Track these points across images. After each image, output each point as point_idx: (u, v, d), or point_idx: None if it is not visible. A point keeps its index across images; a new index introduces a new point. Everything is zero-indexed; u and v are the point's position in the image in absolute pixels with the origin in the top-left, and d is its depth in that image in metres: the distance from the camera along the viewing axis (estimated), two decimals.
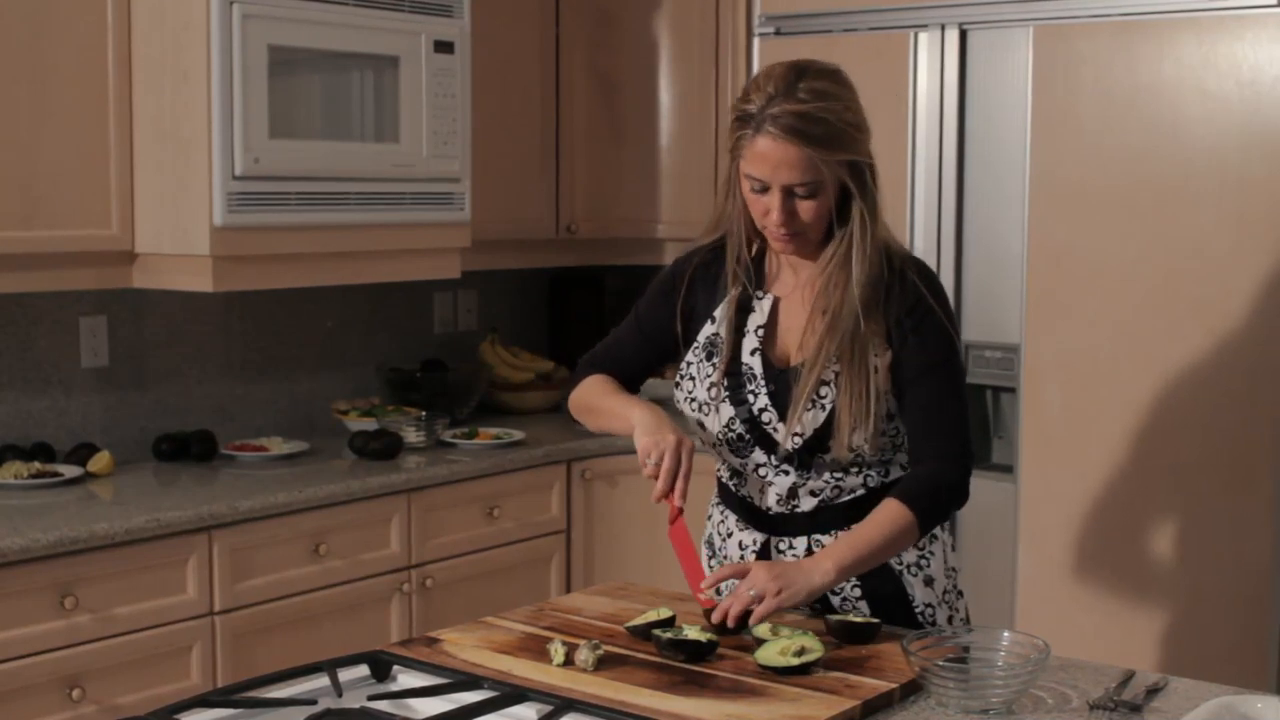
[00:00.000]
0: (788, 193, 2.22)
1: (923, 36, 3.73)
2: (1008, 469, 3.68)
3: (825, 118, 2.18)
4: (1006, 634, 2.06)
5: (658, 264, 4.43)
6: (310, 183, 3.48)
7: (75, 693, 2.96)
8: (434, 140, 3.73)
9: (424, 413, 3.99)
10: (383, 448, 3.72)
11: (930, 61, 3.71)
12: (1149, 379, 3.47)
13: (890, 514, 2.26)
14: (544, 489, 3.97)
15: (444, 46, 3.73)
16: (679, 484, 2.24)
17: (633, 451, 4.04)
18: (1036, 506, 3.62)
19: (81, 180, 3.29)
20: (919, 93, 3.73)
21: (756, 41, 4.05)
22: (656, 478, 2.25)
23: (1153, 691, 1.98)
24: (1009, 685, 1.92)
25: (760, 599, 2.14)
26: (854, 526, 2.30)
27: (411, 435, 3.86)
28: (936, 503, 2.29)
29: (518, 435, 4.00)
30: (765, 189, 2.23)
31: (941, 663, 1.94)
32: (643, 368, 2.53)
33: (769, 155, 2.19)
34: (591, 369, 2.54)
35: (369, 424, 3.88)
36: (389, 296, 4.34)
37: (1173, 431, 3.45)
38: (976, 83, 3.67)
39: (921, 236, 3.74)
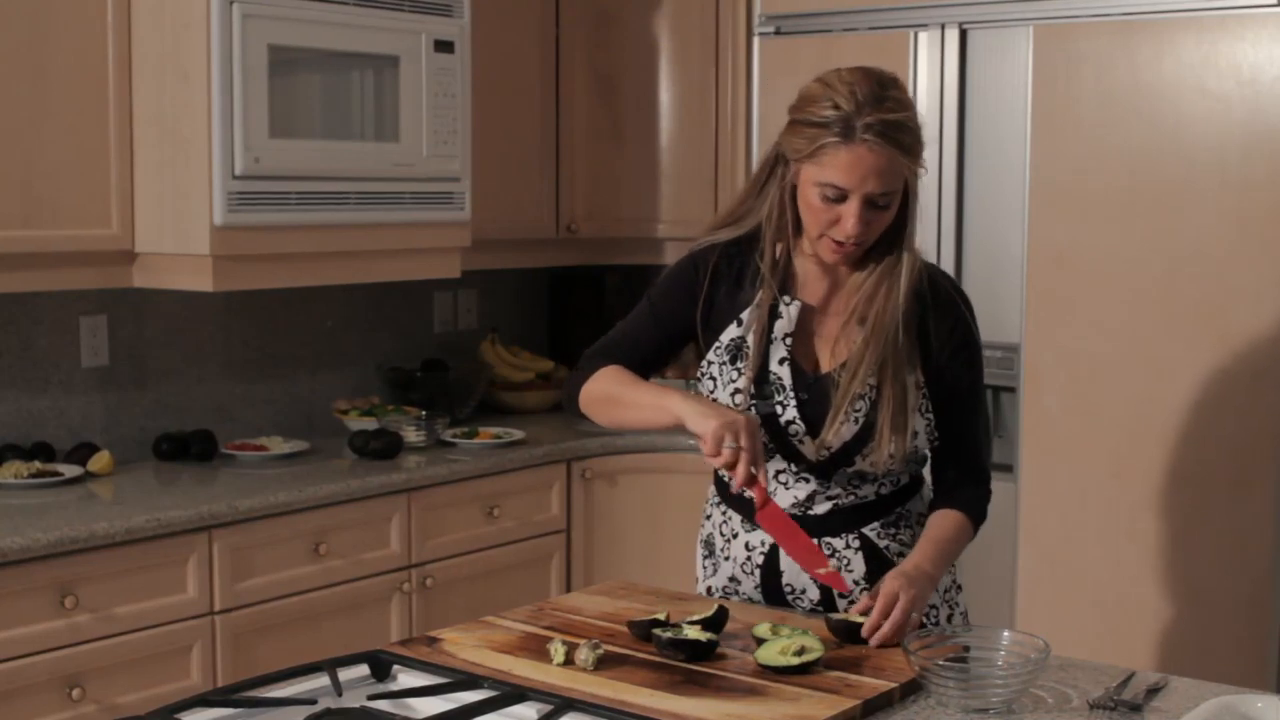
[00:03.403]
0: (869, 203, 2.19)
1: (923, 36, 3.73)
2: (1008, 469, 3.68)
3: (912, 127, 2.19)
4: (1006, 634, 2.06)
5: (658, 264, 4.44)
6: (310, 182, 3.47)
7: (75, 692, 2.96)
8: (434, 140, 3.73)
9: (424, 412, 3.99)
10: (383, 447, 3.72)
11: (930, 61, 3.72)
12: (1149, 379, 3.47)
13: (960, 526, 2.32)
14: (544, 489, 3.97)
15: (444, 46, 3.73)
16: (761, 466, 2.14)
17: (633, 450, 4.11)
18: (1036, 506, 3.62)
19: (81, 180, 3.29)
20: (919, 93, 3.73)
21: (756, 41, 4.05)
22: (730, 465, 2.13)
23: (1153, 691, 1.98)
24: (1009, 685, 1.92)
25: (897, 606, 2.14)
26: (932, 536, 2.29)
27: (411, 435, 3.86)
28: (984, 517, 2.40)
29: (518, 435, 4.00)
30: (842, 198, 2.18)
31: (941, 662, 1.94)
32: (655, 357, 2.42)
33: (860, 164, 2.15)
34: (604, 359, 2.40)
35: (369, 423, 3.88)
36: (389, 296, 4.34)
37: (1173, 431, 3.45)
38: (976, 83, 3.67)
39: (921, 236, 3.71)
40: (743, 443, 2.12)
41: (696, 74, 4.34)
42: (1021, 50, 3.60)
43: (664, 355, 2.44)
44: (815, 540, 2.34)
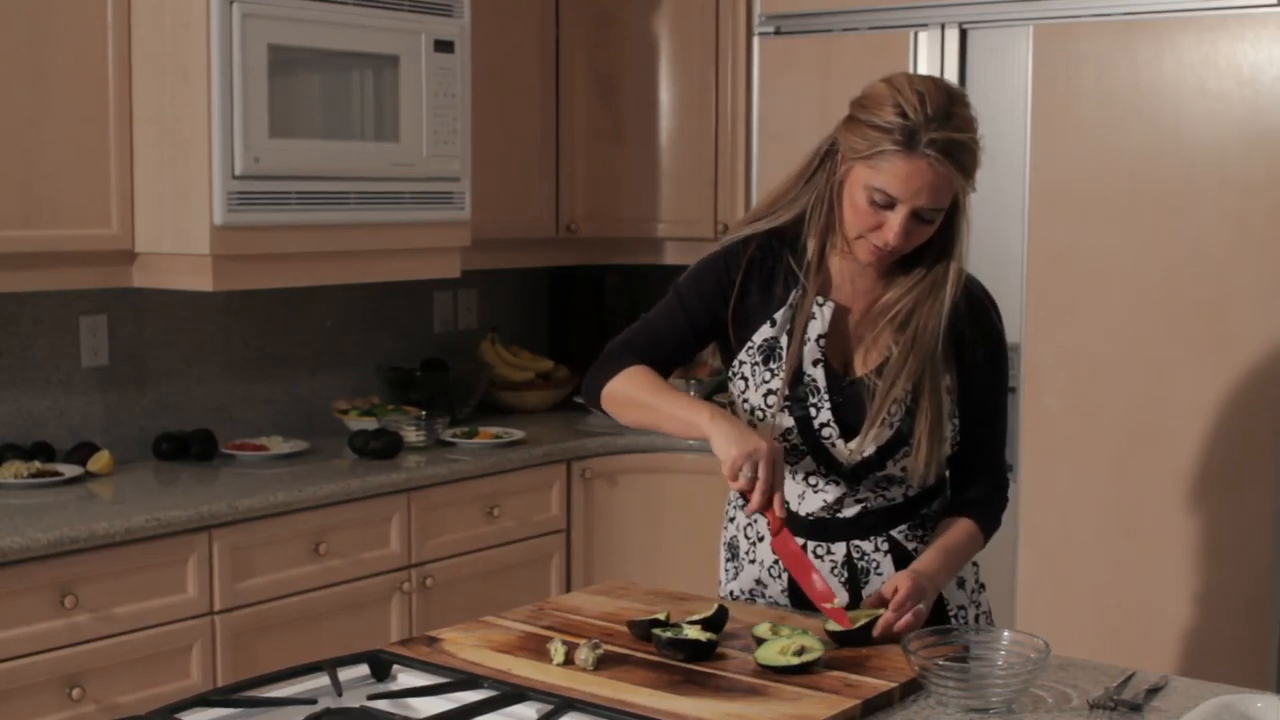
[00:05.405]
0: (915, 215, 2.16)
1: (923, 36, 3.73)
2: (1008, 469, 3.67)
3: (974, 149, 2.17)
4: (1006, 634, 2.06)
5: (658, 264, 4.44)
6: (310, 182, 3.48)
7: (75, 692, 2.96)
8: (434, 140, 3.73)
9: (424, 412, 3.99)
10: (383, 447, 3.72)
11: (930, 61, 3.71)
12: (1149, 379, 3.47)
13: (970, 535, 2.33)
14: (544, 488, 3.97)
15: (444, 46, 3.73)
16: (776, 494, 2.14)
17: (633, 450, 4.10)
18: (1036, 506, 3.62)
19: (81, 179, 3.29)
20: None
21: (756, 41, 4.05)
22: (746, 491, 2.14)
23: (1153, 691, 1.98)
24: (1009, 685, 1.92)
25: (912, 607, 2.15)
26: (943, 545, 2.29)
27: (411, 434, 3.86)
28: (997, 524, 2.41)
29: (518, 435, 4.00)
30: (890, 205, 2.16)
31: (941, 662, 1.94)
32: (682, 351, 2.38)
33: (916, 177, 2.13)
34: (629, 356, 2.35)
35: (369, 423, 3.88)
36: (389, 296, 4.34)
37: (1173, 431, 3.45)
38: (976, 83, 3.67)
39: None
40: (760, 473, 2.12)
41: (696, 74, 4.34)
42: (1021, 50, 3.60)
43: (689, 352, 2.40)
44: (844, 543, 2.34)
